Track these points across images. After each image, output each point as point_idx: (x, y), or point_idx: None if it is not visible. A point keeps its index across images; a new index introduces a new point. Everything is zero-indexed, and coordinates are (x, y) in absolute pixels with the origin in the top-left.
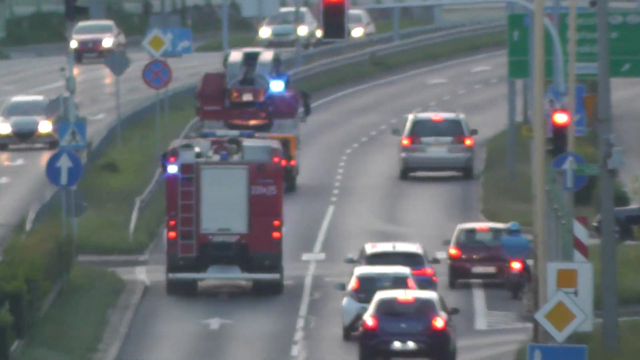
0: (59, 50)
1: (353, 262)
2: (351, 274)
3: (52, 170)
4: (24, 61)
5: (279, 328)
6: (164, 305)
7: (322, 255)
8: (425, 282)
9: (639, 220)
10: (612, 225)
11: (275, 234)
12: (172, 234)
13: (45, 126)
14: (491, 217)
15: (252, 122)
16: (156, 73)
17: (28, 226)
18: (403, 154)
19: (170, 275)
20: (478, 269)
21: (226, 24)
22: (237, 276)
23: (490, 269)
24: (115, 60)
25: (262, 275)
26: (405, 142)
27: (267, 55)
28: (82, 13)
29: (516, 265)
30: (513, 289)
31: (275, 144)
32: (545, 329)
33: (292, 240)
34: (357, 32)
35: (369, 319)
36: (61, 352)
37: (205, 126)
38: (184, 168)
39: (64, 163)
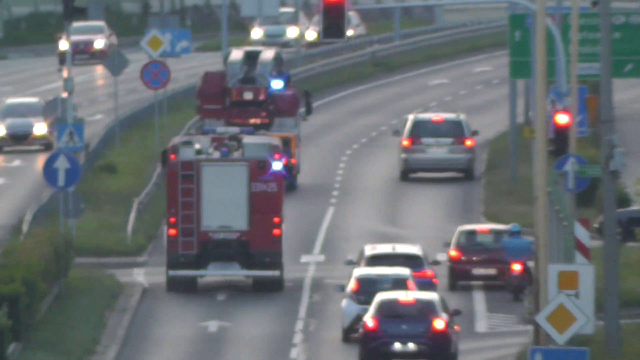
0: (57, 51)
1: (353, 264)
2: (350, 275)
3: (49, 171)
4: (22, 62)
5: (278, 330)
6: (163, 308)
7: (321, 257)
8: (426, 284)
9: None
10: (614, 227)
11: (276, 231)
12: (173, 231)
13: (40, 128)
14: (492, 219)
15: (253, 121)
16: (155, 74)
17: (25, 228)
18: (403, 155)
19: (171, 272)
20: (478, 271)
21: (225, 25)
22: (238, 273)
23: (491, 271)
24: (114, 60)
25: (263, 272)
26: (405, 143)
27: (268, 54)
28: (81, 13)
29: (517, 267)
30: (514, 291)
31: (276, 141)
32: (546, 332)
33: (291, 242)
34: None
35: (369, 321)
36: (59, 354)
37: (205, 124)
38: (184, 165)
39: (62, 164)
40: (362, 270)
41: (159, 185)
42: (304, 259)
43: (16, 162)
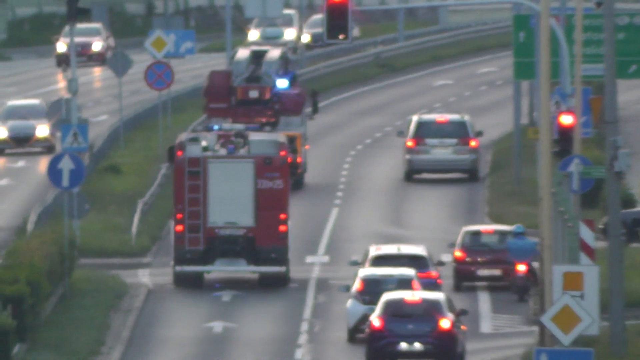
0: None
1: (357, 264)
2: (355, 276)
3: (53, 172)
4: (25, 63)
5: (282, 331)
6: (167, 309)
7: (326, 258)
8: (430, 285)
9: None
10: (619, 228)
11: (282, 228)
12: (180, 227)
13: (42, 130)
14: (496, 220)
15: (259, 120)
16: (159, 75)
17: (30, 229)
18: (407, 156)
19: (178, 268)
20: (483, 272)
21: (229, 25)
22: (244, 269)
23: (496, 272)
24: (118, 61)
25: (269, 268)
26: (409, 143)
27: (274, 54)
28: (85, 14)
29: (522, 268)
30: (519, 292)
31: (282, 138)
32: (551, 332)
33: (296, 243)
34: None
35: (375, 320)
36: (63, 355)
37: (212, 122)
38: (190, 162)
39: (66, 165)
40: (367, 271)
41: (163, 186)
42: (309, 259)
43: (20, 163)
